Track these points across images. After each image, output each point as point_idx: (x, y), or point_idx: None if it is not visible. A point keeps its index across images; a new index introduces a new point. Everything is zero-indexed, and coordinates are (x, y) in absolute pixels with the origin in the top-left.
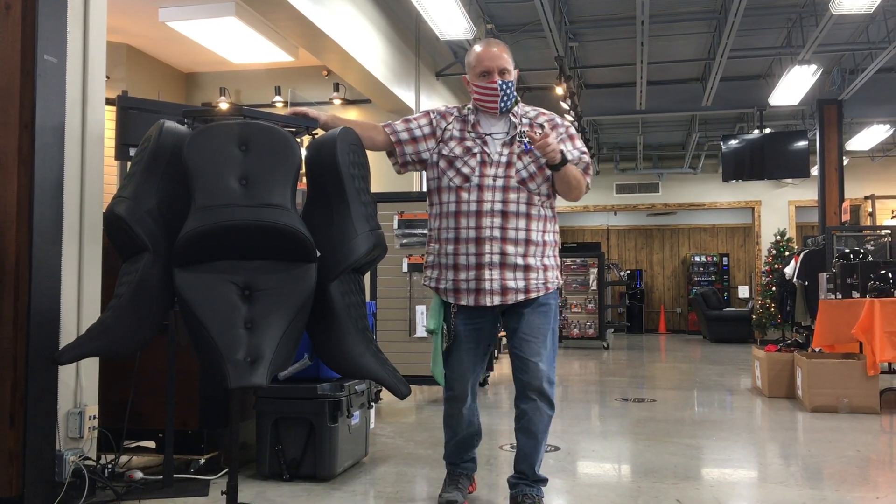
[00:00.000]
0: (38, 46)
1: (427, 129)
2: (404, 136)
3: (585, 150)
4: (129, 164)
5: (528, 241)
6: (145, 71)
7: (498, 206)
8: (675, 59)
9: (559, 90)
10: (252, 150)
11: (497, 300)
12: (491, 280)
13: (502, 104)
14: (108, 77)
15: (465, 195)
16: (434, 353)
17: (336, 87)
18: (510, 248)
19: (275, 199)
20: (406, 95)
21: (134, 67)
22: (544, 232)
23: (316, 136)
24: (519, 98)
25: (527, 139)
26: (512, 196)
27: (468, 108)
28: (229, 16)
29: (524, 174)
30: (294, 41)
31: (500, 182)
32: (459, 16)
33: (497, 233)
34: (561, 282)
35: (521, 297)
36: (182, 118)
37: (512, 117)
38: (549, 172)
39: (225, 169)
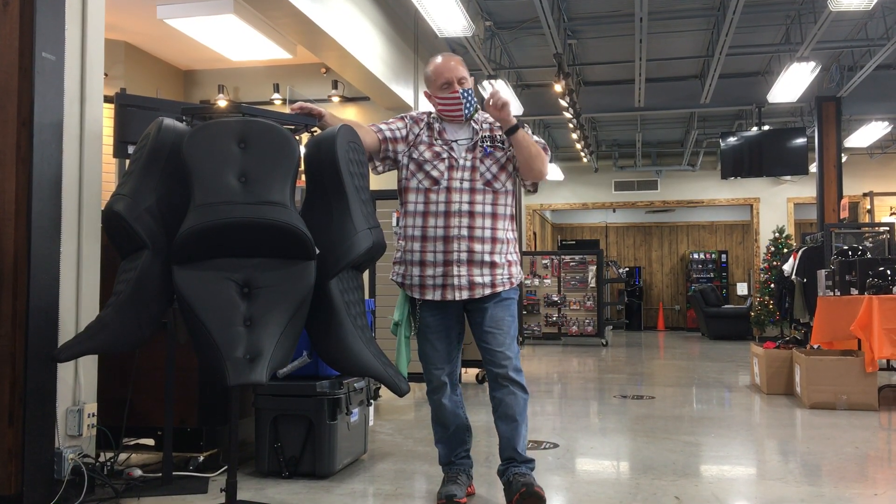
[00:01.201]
0: (36, 44)
1: (402, 133)
2: (388, 134)
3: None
4: (127, 161)
5: (494, 239)
6: (143, 68)
7: (465, 207)
8: (673, 56)
9: (558, 87)
10: (251, 148)
11: (465, 295)
12: (459, 276)
13: (466, 111)
14: (106, 74)
15: (433, 196)
16: (398, 346)
17: (335, 85)
18: (477, 246)
19: (274, 196)
20: (404, 93)
21: (132, 65)
22: (508, 230)
23: (315, 134)
24: (478, 105)
25: (487, 143)
26: (478, 197)
27: (433, 117)
28: (228, 13)
29: (488, 175)
30: (292, 38)
31: (466, 184)
32: (458, 13)
33: (465, 231)
34: (522, 276)
35: (487, 291)
36: (181, 115)
37: (473, 124)
38: (510, 169)
39: (224, 166)
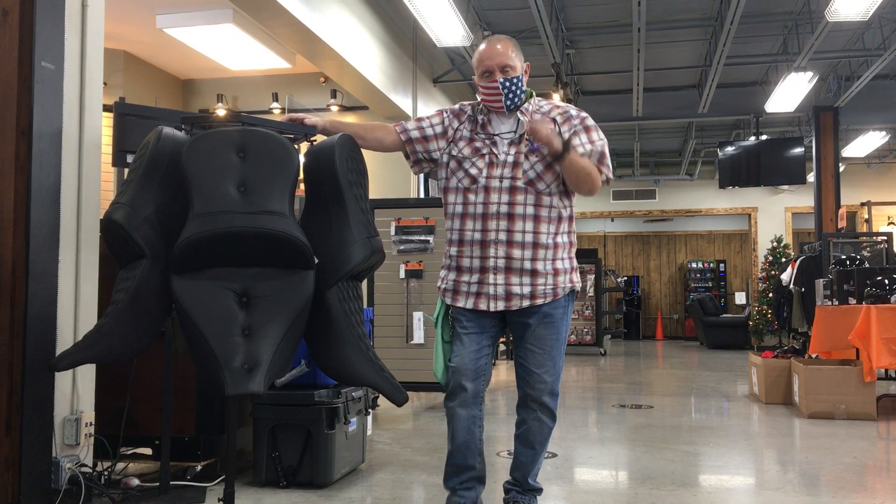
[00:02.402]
0: (35, 53)
1: (439, 129)
2: (415, 134)
3: (603, 140)
4: (126, 170)
5: (535, 245)
6: (142, 77)
7: (504, 209)
8: (671, 66)
9: (556, 97)
10: (250, 157)
11: (501, 305)
12: (495, 285)
13: (508, 102)
14: (105, 83)
15: (471, 196)
16: (435, 353)
17: (333, 94)
18: (516, 252)
19: (273, 205)
20: (403, 102)
21: (131, 74)
22: (556, 234)
23: (314, 143)
24: (532, 92)
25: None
26: (519, 198)
27: (479, 108)
28: (227, 23)
29: (531, 174)
30: (291, 48)
31: (506, 183)
32: (456, 23)
33: (503, 236)
34: (576, 284)
35: (525, 303)
36: (180, 124)
37: (521, 115)
38: (558, 169)
39: (223, 175)
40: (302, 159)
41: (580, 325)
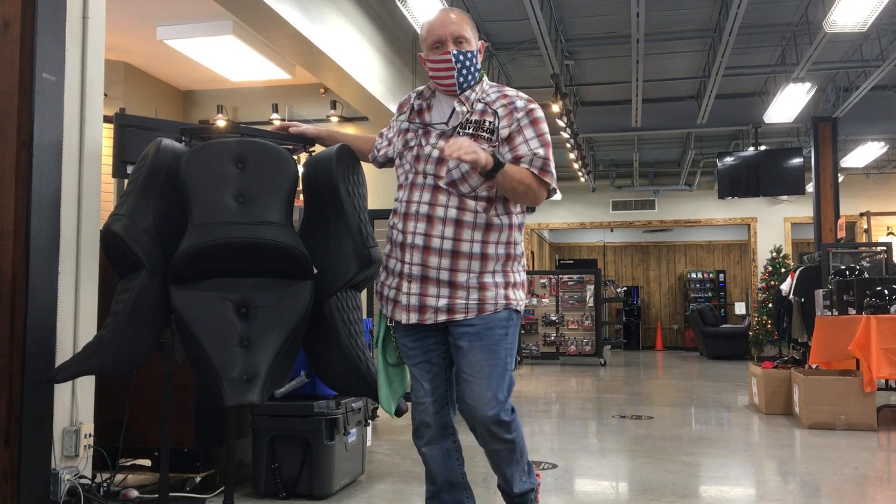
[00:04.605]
0: (36, 65)
1: (394, 130)
2: (379, 140)
3: (546, 139)
4: (125, 181)
5: (455, 253)
6: (143, 88)
7: (424, 209)
8: (670, 76)
9: (555, 107)
10: (249, 168)
11: (414, 318)
12: (408, 294)
13: (461, 79)
14: (105, 95)
15: (400, 193)
16: (378, 379)
17: (333, 105)
18: (433, 260)
19: (272, 216)
20: None
21: (131, 85)
22: (485, 243)
23: (313, 154)
24: (483, 74)
25: (470, 129)
26: (441, 198)
27: (423, 94)
28: (227, 34)
29: (455, 174)
30: (291, 59)
31: (430, 180)
32: None
33: (419, 240)
34: (514, 302)
35: (441, 317)
36: (179, 136)
37: (457, 104)
38: None
39: (222, 187)
40: (301, 170)
41: (580, 335)
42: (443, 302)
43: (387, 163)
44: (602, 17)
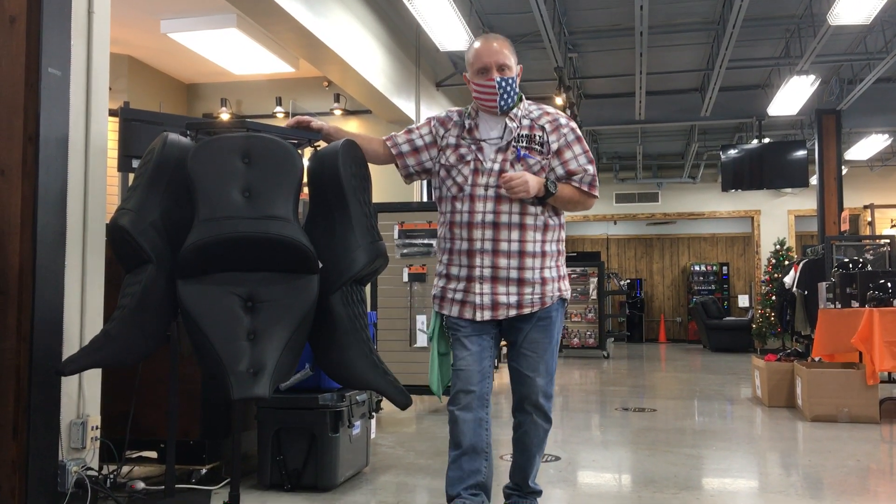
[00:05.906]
0: (42, 59)
1: (428, 139)
2: (405, 147)
3: (591, 156)
4: (131, 175)
5: (522, 253)
6: (147, 82)
7: (489, 217)
8: (674, 69)
9: (559, 100)
10: (255, 163)
11: (487, 315)
12: (481, 294)
13: (501, 102)
14: (110, 88)
15: (458, 205)
16: (430, 365)
17: (336, 98)
18: (502, 262)
19: (277, 211)
20: (406, 106)
21: (136, 78)
22: (543, 242)
23: (318, 148)
24: (522, 96)
25: (523, 143)
26: (504, 206)
27: (469, 111)
28: (231, 27)
29: None
30: (295, 52)
31: (491, 192)
32: (459, 27)
33: (488, 245)
34: (564, 292)
35: (512, 312)
36: (185, 130)
37: (509, 121)
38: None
39: (228, 181)
40: (306, 164)
41: (583, 328)
42: (513, 299)
43: (422, 173)
44: (605, 10)
